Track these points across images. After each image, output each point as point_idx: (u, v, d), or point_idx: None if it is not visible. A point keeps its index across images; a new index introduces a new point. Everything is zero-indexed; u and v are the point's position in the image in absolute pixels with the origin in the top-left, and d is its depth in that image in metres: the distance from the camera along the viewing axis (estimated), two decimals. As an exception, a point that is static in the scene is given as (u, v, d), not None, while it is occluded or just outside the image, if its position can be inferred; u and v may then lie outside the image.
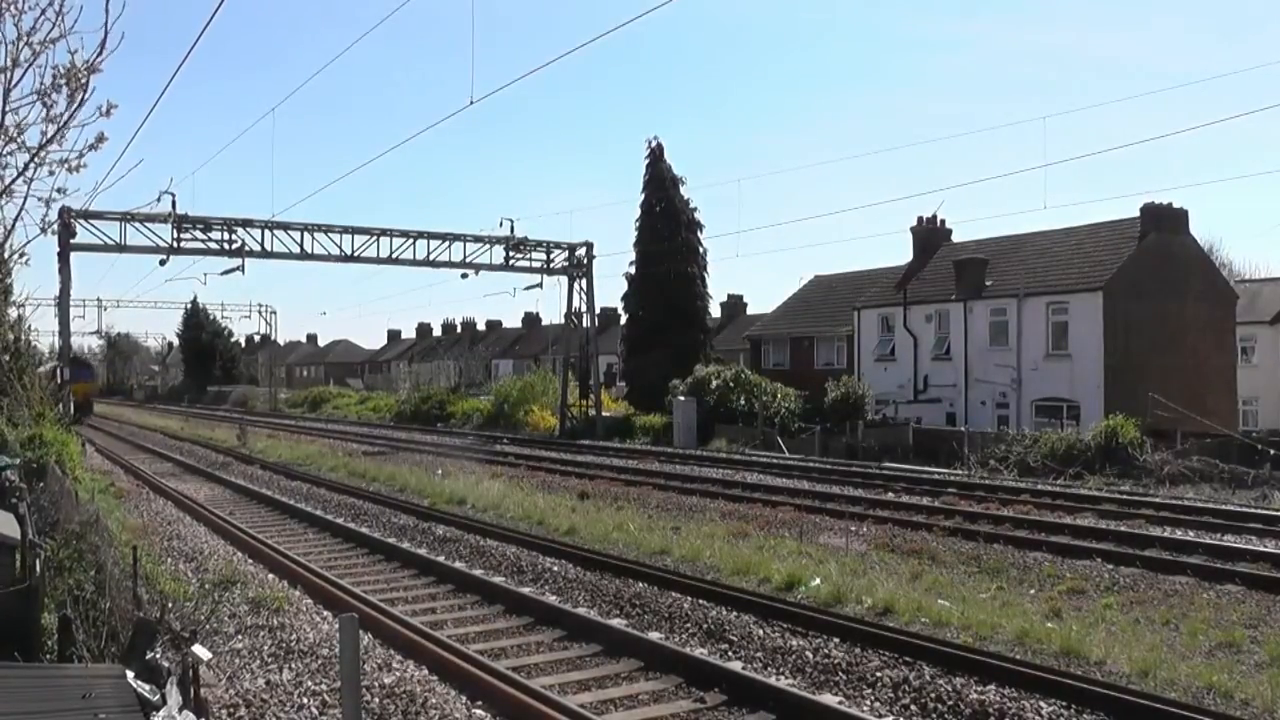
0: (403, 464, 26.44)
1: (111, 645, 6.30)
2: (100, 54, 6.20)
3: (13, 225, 7.37)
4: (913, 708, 7.48)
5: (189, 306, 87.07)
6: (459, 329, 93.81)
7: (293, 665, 8.31)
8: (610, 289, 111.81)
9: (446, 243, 36.32)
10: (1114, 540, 14.29)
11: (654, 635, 9.26)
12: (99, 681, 4.79)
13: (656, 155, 44.38)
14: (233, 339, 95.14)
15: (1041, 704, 7.32)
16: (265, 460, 28.30)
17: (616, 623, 9.74)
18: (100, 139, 6.56)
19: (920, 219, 43.03)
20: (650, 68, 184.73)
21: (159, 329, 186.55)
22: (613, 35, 43.82)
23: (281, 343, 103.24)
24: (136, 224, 31.07)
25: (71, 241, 29.98)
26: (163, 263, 32.63)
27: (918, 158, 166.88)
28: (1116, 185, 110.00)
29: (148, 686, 4.93)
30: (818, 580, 11.41)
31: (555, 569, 12.57)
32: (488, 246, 36.99)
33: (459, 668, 8.00)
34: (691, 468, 25.84)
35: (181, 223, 31.66)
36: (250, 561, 13.06)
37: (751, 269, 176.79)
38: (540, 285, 39.65)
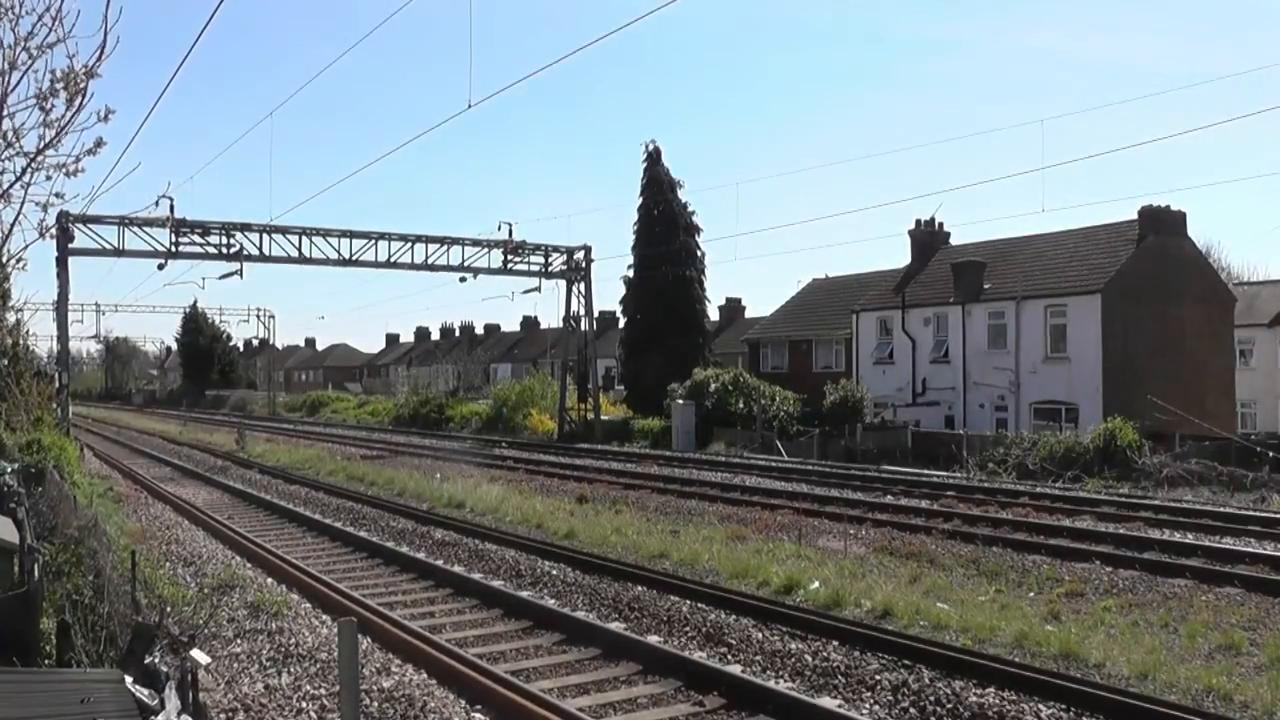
0: (401, 468, 26.44)
1: (110, 650, 6.29)
2: (99, 58, 6.18)
3: (10, 230, 7.34)
4: (912, 710, 7.47)
5: (187, 311, 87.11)
6: (457, 333, 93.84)
7: (291, 669, 8.30)
8: (608, 292, 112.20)
9: (444, 246, 36.33)
10: (1113, 543, 14.30)
11: (653, 638, 9.25)
12: (97, 686, 4.78)
13: (654, 158, 44.40)
14: (231, 343, 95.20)
15: (1041, 707, 7.32)
16: (263, 464, 28.29)
17: (615, 626, 9.74)
18: (99, 144, 6.53)
19: (918, 222, 43.06)
20: (648, 71, 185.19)
21: (158, 333, 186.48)
22: (611, 38, 43.87)
23: (280, 346, 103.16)
24: (135, 228, 31.01)
25: (70, 246, 29.88)
26: (161, 267, 32.63)
27: (916, 160, 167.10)
28: (1114, 188, 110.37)
29: (146, 691, 4.92)
30: (816, 583, 11.41)
31: (554, 572, 12.56)
32: (486, 250, 37.02)
33: (458, 671, 7.99)
34: (690, 471, 25.83)
35: (180, 227, 31.58)
36: (249, 566, 13.04)
37: (750, 272, 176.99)
38: (539, 289, 39.65)
